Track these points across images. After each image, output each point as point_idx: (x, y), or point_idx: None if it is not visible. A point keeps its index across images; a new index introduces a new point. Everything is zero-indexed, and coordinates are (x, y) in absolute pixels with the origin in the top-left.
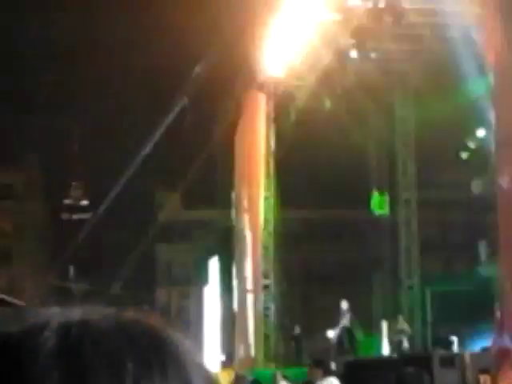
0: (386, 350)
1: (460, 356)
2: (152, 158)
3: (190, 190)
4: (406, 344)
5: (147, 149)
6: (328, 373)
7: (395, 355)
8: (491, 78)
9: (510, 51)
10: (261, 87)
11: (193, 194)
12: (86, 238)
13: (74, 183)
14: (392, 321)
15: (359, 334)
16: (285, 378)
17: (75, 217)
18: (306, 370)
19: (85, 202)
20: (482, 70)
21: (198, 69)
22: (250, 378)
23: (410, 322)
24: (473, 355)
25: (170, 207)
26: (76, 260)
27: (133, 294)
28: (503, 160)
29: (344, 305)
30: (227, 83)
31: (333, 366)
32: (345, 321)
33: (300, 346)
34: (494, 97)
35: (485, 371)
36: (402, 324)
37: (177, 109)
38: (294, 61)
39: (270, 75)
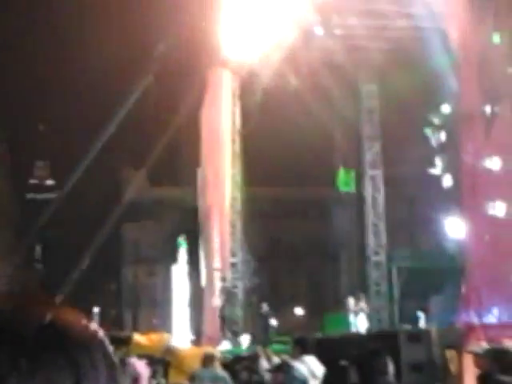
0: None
1: (426, 332)
2: (117, 136)
3: (156, 168)
4: (363, 323)
5: (112, 126)
6: (306, 351)
7: (361, 332)
8: (455, 54)
9: (473, 27)
10: (225, 64)
11: (159, 172)
12: (52, 218)
13: (39, 162)
14: (357, 298)
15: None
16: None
17: (40, 196)
18: (273, 347)
19: (50, 182)
20: (446, 45)
21: (161, 46)
22: (219, 355)
23: (377, 298)
24: (439, 331)
25: (137, 185)
26: (42, 240)
27: (100, 272)
28: (466, 135)
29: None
30: (191, 60)
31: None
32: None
33: (268, 324)
34: (457, 72)
35: (451, 347)
36: (360, 303)
37: (142, 86)
38: (258, 38)
39: (235, 52)
